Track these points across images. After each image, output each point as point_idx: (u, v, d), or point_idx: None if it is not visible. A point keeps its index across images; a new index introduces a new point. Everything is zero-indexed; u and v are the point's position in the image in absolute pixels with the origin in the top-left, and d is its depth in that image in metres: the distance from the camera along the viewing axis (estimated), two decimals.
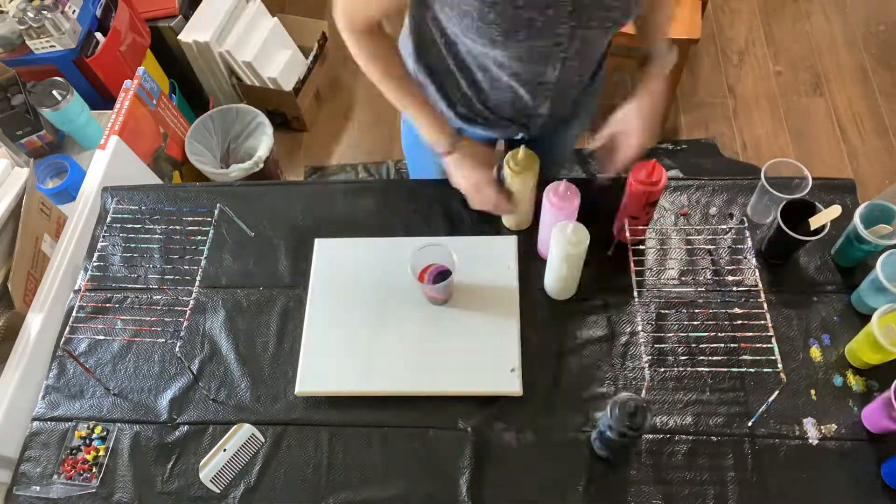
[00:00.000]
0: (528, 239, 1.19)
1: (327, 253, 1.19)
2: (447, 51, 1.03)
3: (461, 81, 1.07)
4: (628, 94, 1.09)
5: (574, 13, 0.88)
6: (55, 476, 1.04)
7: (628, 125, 1.06)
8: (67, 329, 1.06)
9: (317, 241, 1.20)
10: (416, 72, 1.12)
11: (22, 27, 1.76)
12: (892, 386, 0.91)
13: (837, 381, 1.03)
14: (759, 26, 2.66)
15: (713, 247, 1.16)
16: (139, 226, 1.24)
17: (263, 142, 2.12)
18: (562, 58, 0.97)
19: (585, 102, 1.20)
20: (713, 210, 1.20)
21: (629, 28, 2.02)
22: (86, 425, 1.08)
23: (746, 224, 1.08)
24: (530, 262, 1.16)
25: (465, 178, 1.07)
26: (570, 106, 1.15)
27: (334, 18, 0.98)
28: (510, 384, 1.04)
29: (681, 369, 1.05)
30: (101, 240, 1.19)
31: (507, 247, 1.17)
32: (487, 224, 1.21)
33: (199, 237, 1.16)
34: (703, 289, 1.12)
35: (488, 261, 1.15)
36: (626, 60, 2.36)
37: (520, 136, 1.18)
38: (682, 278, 1.13)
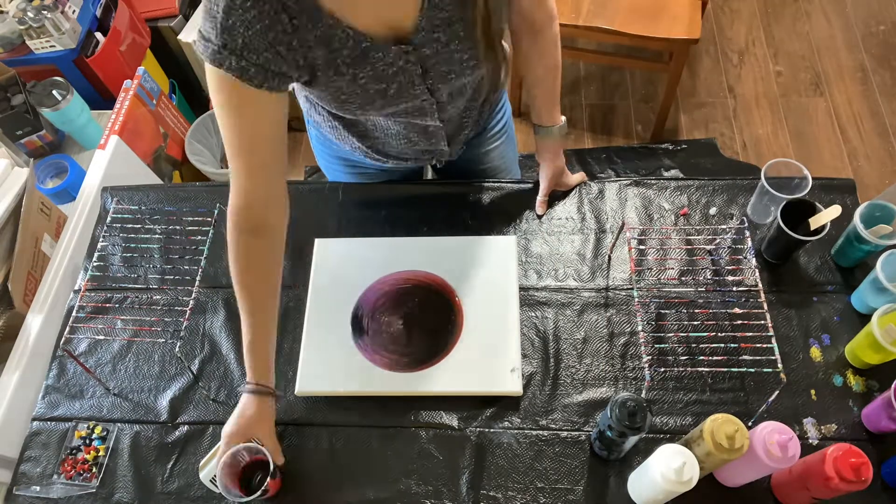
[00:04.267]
0: (522, 242, 1.19)
1: (327, 253, 1.19)
2: (333, 117, 1.07)
3: (352, 136, 1.11)
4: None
5: (424, 74, 0.90)
6: (55, 476, 1.04)
7: (558, 179, 1.22)
8: (67, 329, 1.06)
9: (317, 241, 1.20)
10: (317, 127, 1.16)
11: (22, 27, 1.76)
12: (892, 386, 0.91)
13: (837, 381, 1.03)
14: (759, 26, 2.66)
15: (713, 247, 1.16)
16: (139, 226, 1.24)
17: None
18: (436, 107, 0.99)
19: (491, 115, 1.24)
20: (713, 210, 1.20)
21: (623, 27, 2.03)
22: (86, 425, 1.07)
23: (746, 224, 1.08)
24: (531, 257, 1.16)
25: (233, 419, 0.93)
26: (472, 128, 1.17)
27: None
28: (511, 384, 1.04)
29: (681, 369, 1.05)
30: (101, 240, 1.19)
31: (506, 247, 1.16)
32: (489, 222, 1.22)
33: (199, 237, 1.16)
34: (703, 289, 1.12)
35: (488, 261, 1.15)
36: (627, 60, 2.36)
37: (434, 163, 1.21)
38: (682, 278, 1.13)
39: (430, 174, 1.43)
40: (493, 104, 1.21)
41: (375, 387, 1.06)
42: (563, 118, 1.18)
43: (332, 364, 1.08)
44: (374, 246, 1.19)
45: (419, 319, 1.11)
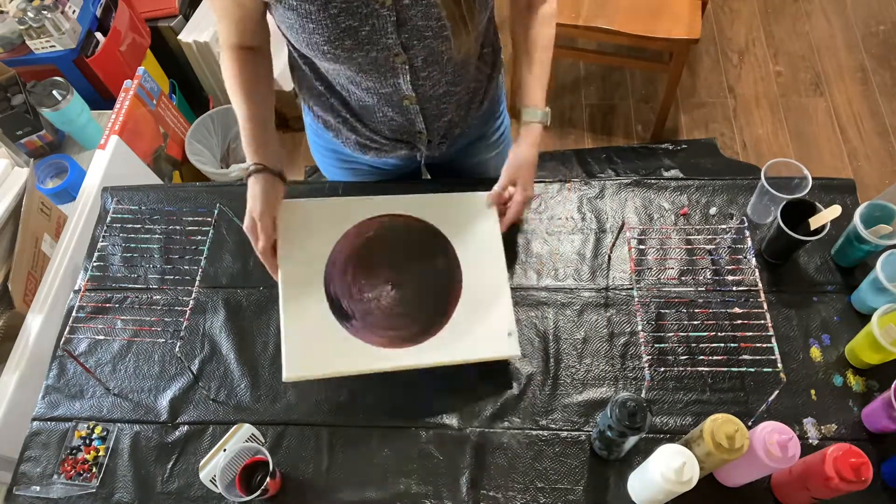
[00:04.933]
0: (522, 242, 1.19)
1: (294, 217, 1.07)
2: (313, 74, 1.05)
3: (334, 103, 1.08)
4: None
5: (399, 24, 0.89)
6: (55, 476, 1.04)
7: (521, 176, 1.08)
8: (67, 329, 1.06)
9: (283, 202, 1.07)
10: (305, 107, 1.15)
11: (22, 27, 1.76)
12: (893, 386, 0.91)
13: (837, 381, 1.03)
14: (759, 26, 2.66)
15: (713, 247, 1.16)
16: (139, 226, 1.24)
17: None
18: (408, 69, 0.96)
19: (480, 120, 1.19)
20: (713, 210, 1.20)
21: (623, 27, 2.02)
22: (86, 425, 1.08)
23: (746, 224, 1.08)
24: (531, 257, 1.16)
25: (248, 207, 1.01)
26: (458, 124, 1.13)
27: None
28: (509, 348, 1.02)
29: (681, 369, 1.05)
30: (101, 240, 1.19)
31: (485, 204, 1.11)
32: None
33: (199, 237, 1.16)
34: (703, 289, 1.12)
35: (468, 220, 1.10)
36: (627, 60, 2.36)
37: (419, 156, 1.17)
38: (682, 278, 1.13)
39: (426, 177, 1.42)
40: (489, 109, 1.19)
41: (367, 365, 1.00)
42: (548, 109, 1.10)
43: (317, 344, 1.00)
44: (345, 206, 1.11)
45: (410, 276, 1.04)
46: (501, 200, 1.11)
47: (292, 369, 0.98)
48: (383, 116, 1.07)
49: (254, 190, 1.01)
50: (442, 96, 1.05)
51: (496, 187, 1.10)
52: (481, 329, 1.03)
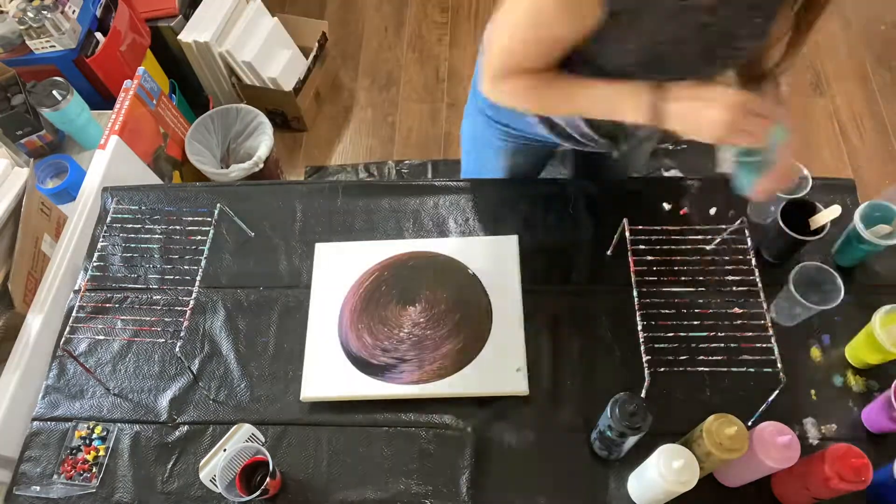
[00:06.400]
0: (522, 242, 1.19)
1: (328, 258, 1.19)
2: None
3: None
4: None
5: (732, 37, 0.83)
6: (55, 476, 1.04)
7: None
8: (67, 329, 1.06)
9: (317, 245, 1.20)
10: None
11: (22, 27, 1.75)
12: (893, 386, 0.91)
13: (837, 381, 1.03)
14: None
15: (713, 247, 1.16)
16: (139, 226, 1.24)
17: (263, 142, 2.11)
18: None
19: None
20: (713, 210, 1.20)
21: None
22: (86, 425, 1.07)
23: (746, 224, 1.08)
24: (530, 257, 1.16)
25: (714, 108, 0.78)
26: None
27: (481, 89, 0.93)
28: (516, 384, 1.04)
29: (681, 369, 1.05)
30: (101, 240, 1.19)
31: (508, 246, 1.16)
32: (490, 223, 1.22)
33: (199, 237, 1.16)
34: (703, 289, 1.12)
35: (490, 261, 1.15)
36: None
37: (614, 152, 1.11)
38: (682, 278, 1.13)
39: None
40: None
41: (380, 391, 1.05)
42: None
43: (336, 369, 1.07)
44: (374, 249, 1.19)
45: (440, 298, 1.11)
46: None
47: (309, 390, 1.06)
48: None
49: (697, 91, 0.81)
50: None
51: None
52: (489, 363, 1.06)
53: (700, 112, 0.80)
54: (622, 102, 0.85)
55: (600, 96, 0.87)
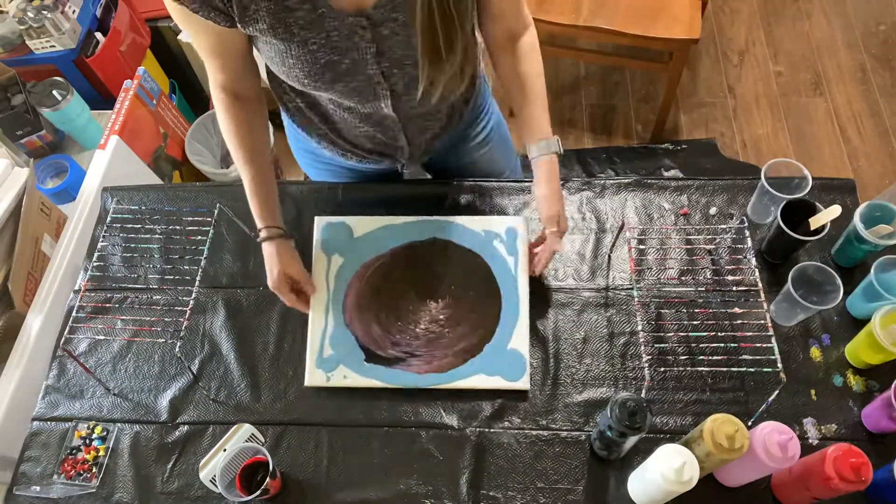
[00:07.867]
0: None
1: (328, 233, 1.16)
2: (293, 92, 1.03)
3: (313, 118, 1.07)
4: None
5: (379, 55, 0.87)
6: (55, 476, 1.04)
7: (552, 216, 1.02)
8: (67, 329, 1.06)
9: (317, 218, 1.17)
10: (284, 116, 1.13)
11: (22, 27, 1.76)
12: (893, 386, 0.91)
13: (837, 381, 1.03)
14: (759, 26, 2.66)
15: (713, 247, 1.16)
16: (139, 226, 1.24)
17: None
18: (389, 94, 0.95)
19: (462, 126, 1.18)
20: (713, 210, 1.20)
21: (623, 27, 1.99)
22: (86, 425, 1.08)
23: (746, 224, 1.08)
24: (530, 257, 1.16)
25: (269, 274, 1.04)
26: (440, 136, 1.12)
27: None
28: (518, 375, 1.04)
29: (681, 369, 1.05)
30: (101, 240, 1.19)
31: (513, 234, 1.14)
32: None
33: (199, 237, 1.16)
34: (703, 289, 1.12)
35: (494, 250, 1.13)
36: (627, 60, 2.36)
37: (400, 167, 1.18)
38: (682, 278, 1.13)
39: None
40: (472, 113, 1.17)
41: (385, 380, 1.05)
42: (557, 136, 1.03)
43: (340, 355, 1.07)
44: (377, 225, 1.16)
45: (455, 291, 1.10)
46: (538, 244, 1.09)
47: (314, 378, 1.06)
48: (364, 132, 1.07)
49: (269, 251, 1.04)
50: (425, 115, 1.05)
51: (539, 264, 1.07)
52: (492, 357, 1.06)
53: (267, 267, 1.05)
54: (253, 211, 1.04)
55: (248, 191, 1.04)
